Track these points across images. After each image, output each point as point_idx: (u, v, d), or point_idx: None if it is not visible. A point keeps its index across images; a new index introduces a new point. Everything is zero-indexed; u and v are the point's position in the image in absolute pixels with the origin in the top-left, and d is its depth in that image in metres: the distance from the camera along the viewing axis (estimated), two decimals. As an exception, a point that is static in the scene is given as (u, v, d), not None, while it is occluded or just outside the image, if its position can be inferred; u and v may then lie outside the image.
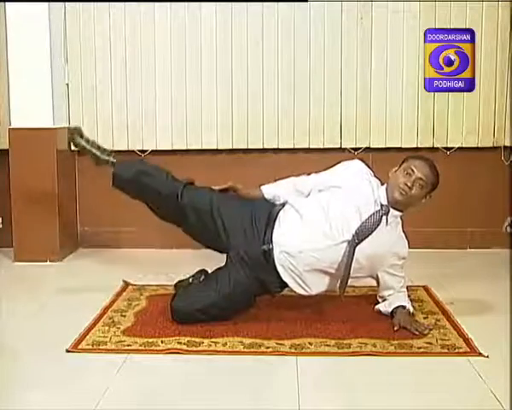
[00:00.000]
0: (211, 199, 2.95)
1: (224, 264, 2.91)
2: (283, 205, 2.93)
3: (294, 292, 2.87)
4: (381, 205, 2.81)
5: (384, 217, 2.80)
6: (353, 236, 2.74)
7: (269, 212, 2.90)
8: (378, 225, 2.78)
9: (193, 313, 2.80)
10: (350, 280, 2.81)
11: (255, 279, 2.84)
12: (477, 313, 3.01)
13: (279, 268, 2.80)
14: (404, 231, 2.91)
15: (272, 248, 2.80)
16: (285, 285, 2.85)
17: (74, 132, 3.24)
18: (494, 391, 2.21)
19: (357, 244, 2.74)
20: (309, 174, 3.03)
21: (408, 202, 2.82)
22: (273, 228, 2.83)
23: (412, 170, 2.79)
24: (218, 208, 2.92)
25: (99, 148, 3.22)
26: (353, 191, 2.83)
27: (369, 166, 2.97)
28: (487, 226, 4.27)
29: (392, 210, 2.82)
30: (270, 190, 3.02)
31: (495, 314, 2.99)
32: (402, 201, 2.80)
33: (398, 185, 2.79)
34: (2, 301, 3.31)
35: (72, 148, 4.19)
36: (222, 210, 2.92)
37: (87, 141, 3.24)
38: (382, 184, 2.89)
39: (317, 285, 2.84)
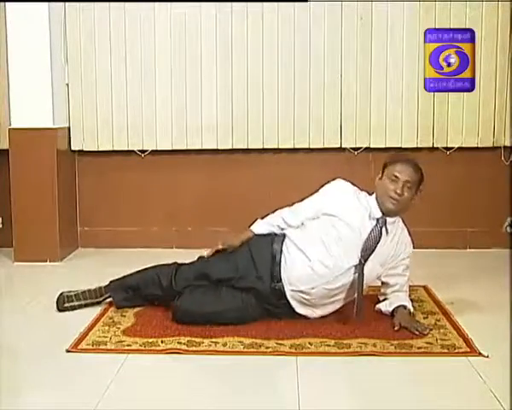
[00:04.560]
0: (206, 274, 2.90)
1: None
2: (282, 239, 2.90)
3: None
4: (377, 219, 2.82)
5: (383, 229, 2.81)
6: (359, 259, 2.77)
7: (269, 251, 2.88)
8: (379, 238, 2.80)
9: (198, 317, 2.79)
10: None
11: (266, 308, 2.87)
12: (477, 313, 3.01)
13: (293, 303, 2.84)
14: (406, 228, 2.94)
15: (283, 286, 2.81)
16: (296, 312, 2.88)
17: (58, 302, 3.04)
18: (494, 391, 2.21)
19: (365, 262, 2.77)
20: (292, 204, 3.02)
21: (401, 207, 2.83)
22: (280, 266, 2.83)
23: (396, 176, 2.78)
24: (218, 280, 2.88)
25: (88, 295, 3.07)
26: (346, 214, 2.82)
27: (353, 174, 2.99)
28: (487, 226, 4.27)
29: (387, 219, 2.83)
30: (260, 230, 3.01)
31: (495, 314, 2.98)
32: (396, 209, 2.81)
33: (387, 195, 2.79)
34: (2, 301, 3.30)
35: (73, 148, 4.23)
36: (222, 278, 2.87)
37: (76, 296, 3.06)
38: (371, 194, 2.89)
39: (331, 308, 2.88)
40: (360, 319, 2.79)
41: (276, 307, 2.86)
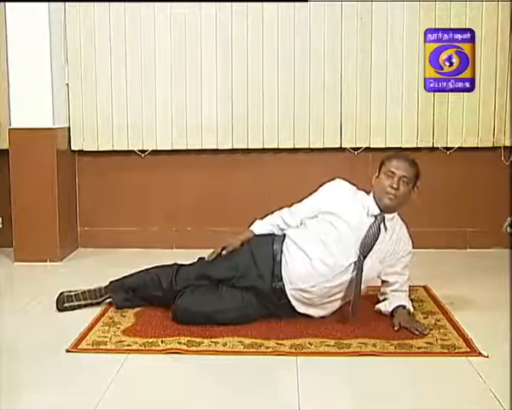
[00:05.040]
0: (207, 274, 2.90)
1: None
2: (283, 239, 2.91)
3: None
4: (375, 216, 2.82)
5: (381, 225, 2.82)
6: (358, 256, 2.77)
7: (270, 251, 2.88)
8: (378, 235, 2.80)
9: (198, 316, 2.79)
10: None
11: (266, 307, 2.86)
12: (477, 313, 3.01)
13: (293, 302, 2.84)
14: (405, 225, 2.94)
15: (284, 285, 2.82)
16: (296, 312, 2.88)
17: (58, 302, 3.04)
18: (494, 391, 2.21)
19: (364, 259, 2.77)
20: (292, 205, 3.03)
21: (398, 202, 2.83)
22: (281, 265, 2.83)
23: (393, 172, 2.80)
24: (218, 280, 2.88)
25: (88, 295, 3.07)
26: (345, 212, 2.83)
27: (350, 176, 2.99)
28: (487, 226, 4.27)
29: (386, 215, 2.84)
30: (260, 230, 3.01)
31: (495, 314, 2.98)
32: (393, 204, 2.82)
33: (384, 190, 2.81)
34: (2, 301, 3.30)
35: (73, 148, 4.24)
36: (223, 278, 2.88)
37: (76, 297, 3.06)
38: (368, 193, 2.90)
39: (329, 308, 2.88)
40: (355, 317, 2.79)
41: (276, 308, 2.86)
